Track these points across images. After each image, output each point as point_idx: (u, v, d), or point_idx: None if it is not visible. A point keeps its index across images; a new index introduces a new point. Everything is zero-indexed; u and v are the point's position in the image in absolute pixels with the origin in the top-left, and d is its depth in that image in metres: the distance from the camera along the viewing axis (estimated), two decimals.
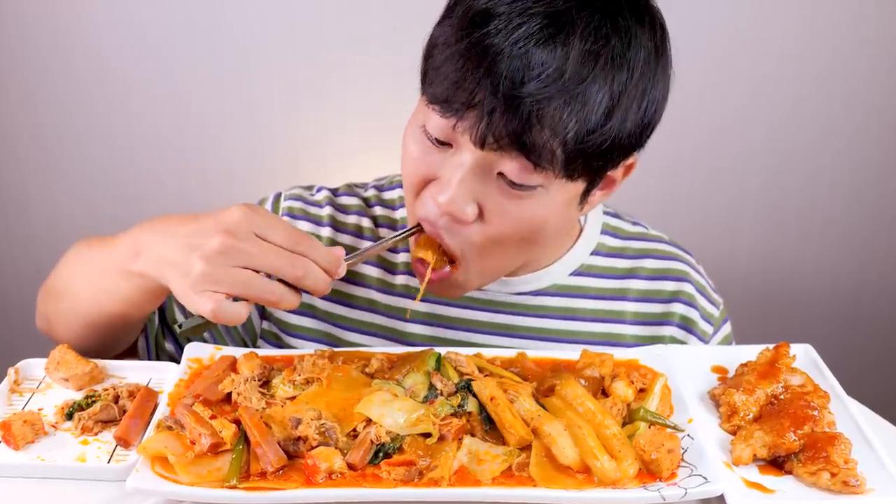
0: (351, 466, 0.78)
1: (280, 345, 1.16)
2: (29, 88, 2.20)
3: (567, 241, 1.14)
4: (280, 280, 0.85)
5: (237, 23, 2.14)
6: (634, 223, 1.21)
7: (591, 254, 1.15)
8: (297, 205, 1.17)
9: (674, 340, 1.15)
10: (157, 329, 1.16)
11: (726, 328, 1.21)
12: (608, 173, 0.96)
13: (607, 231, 1.17)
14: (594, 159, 0.90)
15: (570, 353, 0.96)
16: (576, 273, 1.14)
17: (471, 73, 0.85)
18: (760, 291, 2.41)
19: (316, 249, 0.85)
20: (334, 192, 1.20)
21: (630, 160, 0.98)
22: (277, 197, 1.19)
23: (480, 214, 0.93)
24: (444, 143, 0.92)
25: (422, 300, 1.10)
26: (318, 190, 1.20)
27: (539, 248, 1.00)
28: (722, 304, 1.20)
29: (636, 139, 0.93)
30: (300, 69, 2.19)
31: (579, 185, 0.94)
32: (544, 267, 1.13)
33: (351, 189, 1.21)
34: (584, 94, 0.85)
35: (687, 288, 1.16)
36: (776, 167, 2.29)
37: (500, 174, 0.90)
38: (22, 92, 2.20)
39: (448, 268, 0.98)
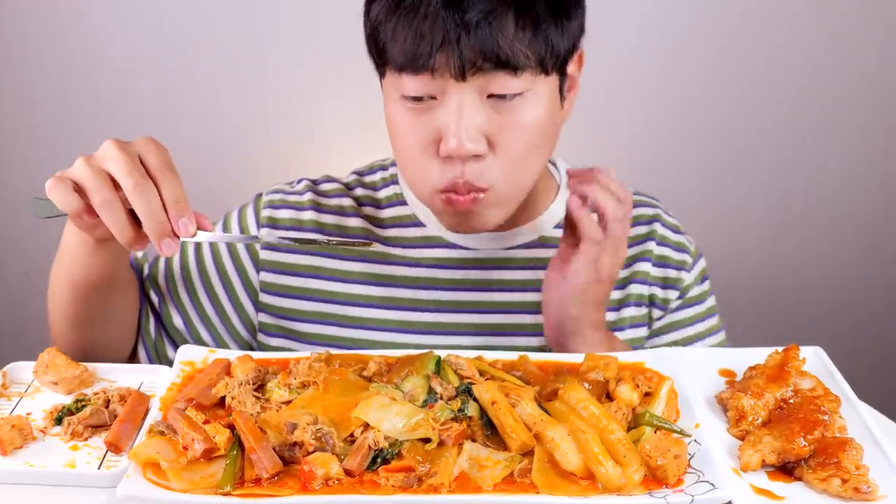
0: (348, 472, 0.77)
1: (281, 333, 1.19)
2: (20, 86, 2.20)
3: (548, 197, 1.22)
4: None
5: (233, 19, 2.14)
6: None
7: None
8: (277, 197, 1.22)
9: (653, 277, 1.22)
10: (154, 337, 1.18)
11: (702, 262, 1.28)
12: (568, 72, 1.06)
13: None
14: (559, 49, 1.00)
15: (573, 356, 0.96)
16: (558, 226, 1.21)
17: (424, 22, 0.94)
18: (768, 292, 2.42)
19: (170, 185, 0.88)
20: (314, 181, 1.26)
21: (580, 50, 1.07)
22: (258, 196, 1.24)
23: (490, 144, 0.99)
24: (426, 99, 0.98)
25: (415, 265, 1.18)
26: (298, 181, 1.26)
27: (547, 155, 1.08)
28: (695, 244, 1.27)
29: (581, 22, 1.04)
30: (296, 66, 2.19)
31: (555, 80, 1.03)
32: (529, 221, 1.20)
33: (330, 177, 1.27)
34: None
35: (657, 227, 1.24)
36: (783, 166, 2.29)
37: (490, 96, 0.98)
38: (13, 90, 2.20)
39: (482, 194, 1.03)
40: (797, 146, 2.27)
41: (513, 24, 0.95)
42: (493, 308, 1.18)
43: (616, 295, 1.21)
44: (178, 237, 0.88)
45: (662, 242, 1.24)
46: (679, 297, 1.24)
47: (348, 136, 2.22)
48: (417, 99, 0.99)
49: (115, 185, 0.87)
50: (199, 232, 0.90)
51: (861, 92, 2.22)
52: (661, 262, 1.23)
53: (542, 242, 1.20)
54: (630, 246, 1.22)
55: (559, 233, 1.19)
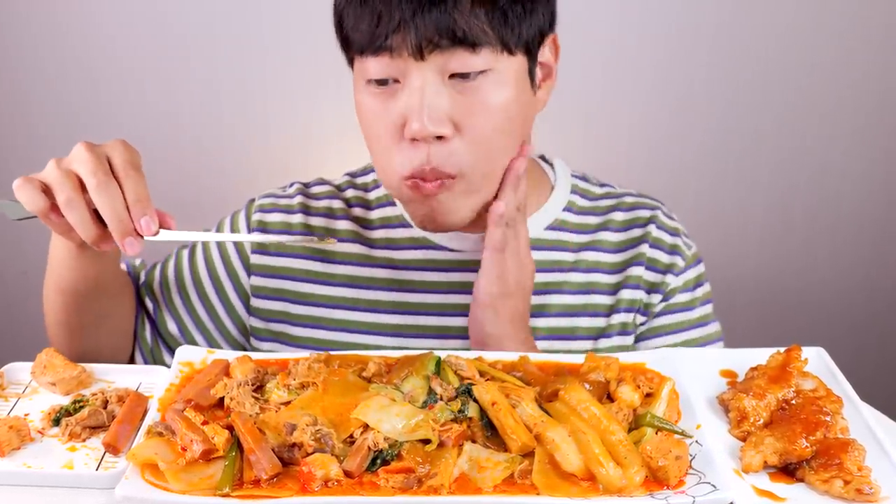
0: (347, 474, 0.77)
1: (271, 337, 1.20)
2: (18, 87, 2.20)
3: (541, 198, 1.20)
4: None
5: (231, 19, 2.14)
6: (602, 185, 1.27)
7: (564, 210, 1.21)
8: (268, 201, 1.24)
9: (640, 280, 1.19)
10: (150, 343, 1.19)
11: (699, 268, 1.24)
12: (541, 60, 1.06)
13: (576, 191, 1.23)
14: (520, 28, 1.00)
15: (574, 356, 0.96)
16: (550, 227, 1.20)
17: (381, 4, 0.96)
18: (770, 292, 2.41)
19: (132, 184, 0.90)
20: (306, 184, 1.27)
21: (552, 36, 1.07)
22: (251, 202, 1.25)
23: (455, 127, 0.99)
24: (389, 83, 0.99)
25: (401, 268, 1.18)
26: (291, 185, 1.27)
27: (517, 140, 1.06)
28: (695, 248, 1.25)
29: (548, 10, 1.04)
30: (295, 66, 2.19)
31: (521, 62, 1.02)
32: None
33: (322, 179, 1.28)
34: None
35: (652, 230, 1.21)
36: (784, 166, 2.29)
37: (453, 76, 0.98)
38: (11, 90, 2.20)
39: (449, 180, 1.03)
40: (798, 146, 2.27)
41: (469, 2, 0.95)
42: None
43: (606, 301, 1.19)
44: (142, 236, 0.90)
45: (656, 245, 1.21)
46: (662, 301, 1.20)
47: (347, 137, 2.21)
48: (381, 83, 1.00)
49: (83, 187, 0.89)
50: (161, 231, 0.91)
51: (862, 91, 2.22)
52: (652, 266, 1.20)
53: (532, 244, 1.17)
54: (623, 249, 1.21)
55: (551, 234, 1.19)
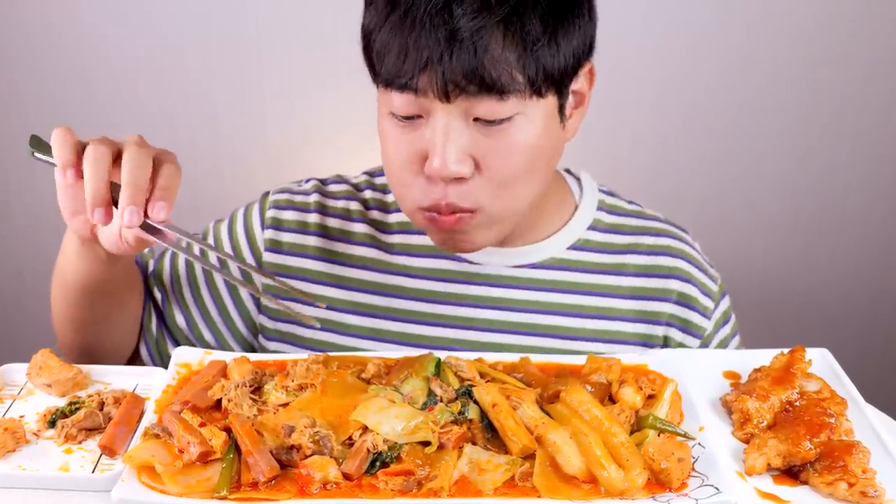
0: (346, 476, 0.78)
1: (279, 337, 1.19)
2: (13, 87, 2.20)
3: (564, 215, 1.18)
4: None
5: (228, 18, 2.14)
6: (630, 202, 1.24)
7: (588, 228, 1.18)
8: (284, 197, 1.21)
9: (672, 317, 1.17)
10: (155, 335, 1.18)
11: (725, 302, 1.23)
12: (574, 88, 1.02)
13: (603, 208, 1.21)
14: (553, 69, 0.96)
15: (575, 357, 0.96)
16: (573, 247, 1.17)
17: (409, 37, 0.92)
18: (775, 292, 2.41)
19: (168, 172, 0.88)
20: (323, 181, 1.24)
21: (588, 65, 1.03)
22: (265, 195, 1.23)
23: (477, 166, 0.98)
24: (413, 118, 0.97)
25: (418, 276, 1.16)
26: (307, 181, 1.24)
27: (545, 177, 1.05)
28: (720, 279, 1.23)
29: (585, 39, 1.00)
30: (292, 65, 2.19)
31: (552, 101, 0.99)
32: (542, 240, 1.16)
33: (341, 177, 1.25)
34: (517, 12, 0.92)
35: (683, 265, 1.18)
36: (790, 167, 2.29)
37: (476, 119, 0.95)
38: (5, 91, 2.20)
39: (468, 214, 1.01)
40: (805, 146, 2.27)
41: (500, 44, 0.92)
42: (494, 327, 1.15)
43: (628, 328, 1.16)
44: (146, 217, 0.87)
45: (688, 280, 1.17)
46: (702, 347, 1.18)
47: (344, 136, 2.22)
48: (406, 117, 0.98)
49: (117, 163, 0.87)
50: (165, 227, 0.88)
51: (870, 92, 2.21)
52: (683, 302, 1.17)
53: (552, 264, 1.16)
54: (649, 275, 1.17)
55: (573, 254, 1.16)
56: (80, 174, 0.88)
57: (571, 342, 1.16)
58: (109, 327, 1.12)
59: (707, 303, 1.18)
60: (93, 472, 0.81)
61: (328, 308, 1.17)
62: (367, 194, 1.22)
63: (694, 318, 1.17)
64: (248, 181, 2.26)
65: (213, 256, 1.19)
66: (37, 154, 0.92)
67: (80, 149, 0.88)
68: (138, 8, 2.13)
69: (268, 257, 1.18)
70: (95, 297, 1.06)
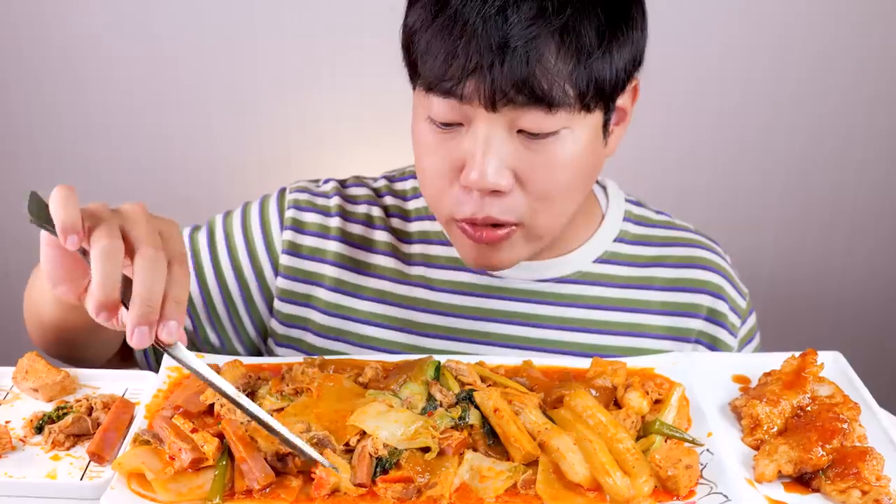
0: (359, 486, 0.77)
1: (288, 343, 1.17)
2: (3, 86, 2.20)
3: (590, 227, 1.17)
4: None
5: (223, 15, 2.15)
6: (658, 212, 1.23)
7: (615, 241, 1.17)
8: (304, 196, 1.18)
9: (702, 334, 1.17)
10: None
11: (752, 319, 1.23)
12: (618, 104, 1.01)
13: (630, 218, 1.20)
14: (604, 83, 0.94)
15: (579, 361, 0.96)
16: (600, 260, 1.16)
17: (458, 41, 0.90)
18: (786, 295, 2.42)
19: (182, 281, 0.77)
20: (342, 182, 1.22)
21: (634, 82, 1.02)
22: (282, 191, 1.20)
23: (518, 180, 0.96)
24: (453, 125, 0.95)
25: (438, 289, 1.15)
26: (326, 181, 1.22)
27: (584, 193, 1.04)
28: (748, 295, 1.22)
29: (636, 52, 0.98)
30: (290, 57, 2.19)
31: (598, 117, 0.98)
32: (567, 252, 1.15)
33: (360, 180, 1.24)
34: (573, 22, 0.90)
35: (714, 279, 1.18)
36: (802, 168, 2.30)
37: (521, 131, 0.93)
38: None
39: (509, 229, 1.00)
40: (817, 146, 2.28)
41: (553, 55, 0.89)
42: (515, 343, 1.14)
43: (655, 345, 1.15)
44: (154, 335, 0.76)
45: (718, 295, 1.17)
46: None
47: (342, 136, 2.22)
48: (445, 124, 0.96)
49: (127, 251, 0.78)
50: (177, 345, 0.77)
51: (881, 93, 2.22)
52: (712, 318, 1.17)
53: (578, 278, 1.15)
54: (678, 289, 1.17)
55: (599, 268, 1.16)
56: (80, 243, 0.76)
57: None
58: (91, 346, 1.08)
59: (734, 320, 1.18)
60: (81, 479, 0.81)
61: (343, 317, 1.16)
62: (388, 200, 1.20)
63: (722, 335, 1.17)
64: (244, 178, 2.26)
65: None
66: (35, 220, 0.77)
67: (85, 215, 0.77)
68: (131, 6, 2.13)
69: (284, 260, 1.16)
70: (74, 333, 1.00)
